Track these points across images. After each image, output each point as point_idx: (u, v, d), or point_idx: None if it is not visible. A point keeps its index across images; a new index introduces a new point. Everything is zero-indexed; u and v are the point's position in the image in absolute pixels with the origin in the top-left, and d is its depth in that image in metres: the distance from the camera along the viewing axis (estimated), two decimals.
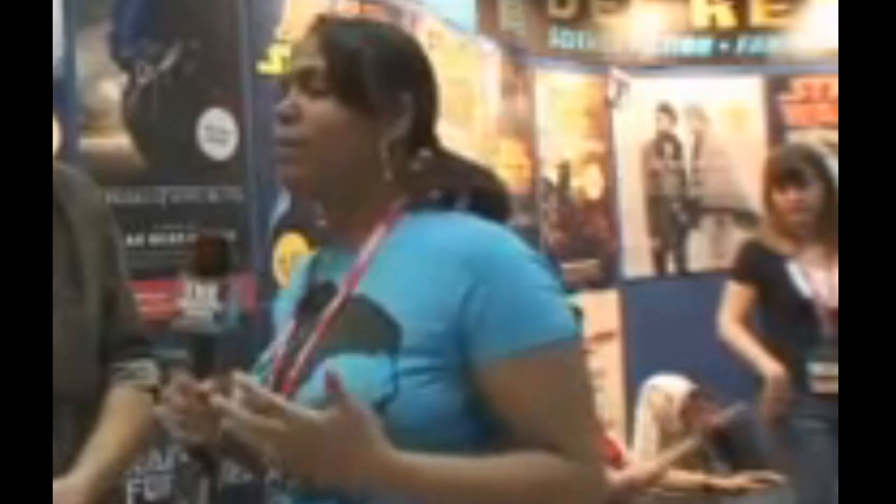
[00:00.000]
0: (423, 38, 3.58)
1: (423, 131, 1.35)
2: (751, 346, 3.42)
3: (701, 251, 5.42)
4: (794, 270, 3.33)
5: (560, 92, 5.02)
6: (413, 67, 1.36)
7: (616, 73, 5.24)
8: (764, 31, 5.53)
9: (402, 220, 1.32)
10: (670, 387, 4.41)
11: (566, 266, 4.91)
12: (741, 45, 5.52)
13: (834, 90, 5.19)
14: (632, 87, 5.27)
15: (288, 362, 1.30)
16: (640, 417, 4.42)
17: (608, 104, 5.25)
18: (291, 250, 2.99)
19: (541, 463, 1.21)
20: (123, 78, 2.61)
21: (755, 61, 5.52)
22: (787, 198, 3.37)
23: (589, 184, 5.17)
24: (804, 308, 3.28)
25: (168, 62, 2.70)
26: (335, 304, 1.29)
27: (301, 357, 1.28)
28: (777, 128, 5.48)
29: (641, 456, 4.24)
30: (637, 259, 5.33)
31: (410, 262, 1.26)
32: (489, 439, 1.23)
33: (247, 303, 2.74)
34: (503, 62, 4.56)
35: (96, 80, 2.57)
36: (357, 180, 1.31)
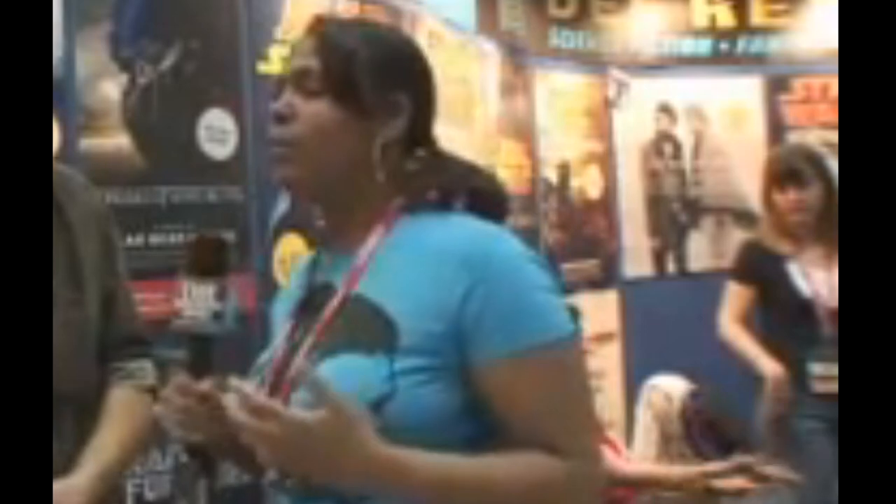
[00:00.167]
0: (423, 38, 3.58)
1: (420, 132, 1.35)
2: (751, 346, 3.42)
3: (701, 251, 5.42)
4: (794, 270, 3.34)
5: (560, 92, 5.02)
6: (409, 68, 1.36)
7: (616, 73, 5.24)
8: (764, 31, 5.53)
9: (401, 221, 1.32)
10: (670, 387, 4.40)
11: (566, 266, 4.91)
12: (741, 45, 5.52)
13: (834, 90, 5.19)
14: (631, 87, 5.28)
15: (286, 363, 1.31)
16: (640, 418, 4.41)
17: (608, 104, 5.25)
18: (291, 251, 2.99)
19: (539, 463, 1.21)
20: (123, 78, 2.61)
21: (755, 61, 5.52)
22: (787, 198, 3.37)
23: (589, 184, 5.17)
24: (804, 308, 3.29)
25: (168, 62, 2.70)
26: (334, 304, 1.29)
27: (299, 357, 1.29)
28: (777, 128, 5.48)
29: (641, 456, 4.24)
30: (637, 259, 5.33)
31: (409, 263, 1.27)
32: (488, 440, 1.23)
33: (246, 303, 2.75)
34: (503, 62, 4.56)
35: (96, 80, 2.57)
36: (352, 181, 1.31)
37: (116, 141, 2.59)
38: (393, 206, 1.33)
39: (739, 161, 5.38)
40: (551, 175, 4.91)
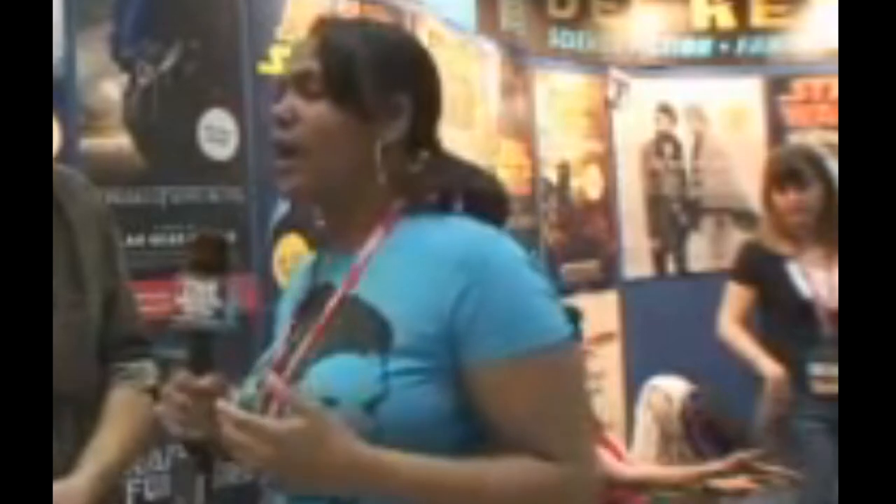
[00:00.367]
0: (423, 38, 3.58)
1: (422, 133, 1.34)
2: (751, 346, 3.42)
3: (701, 252, 5.42)
4: (794, 271, 3.34)
5: (560, 92, 5.03)
6: (411, 68, 1.35)
7: (616, 73, 5.24)
8: (764, 31, 5.53)
9: (401, 222, 1.32)
10: (670, 388, 4.41)
11: (566, 267, 4.92)
12: (741, 45, 5.52)
13: (834, 91, 5.19)
14: (632, 87, 5.28)
15: (285, 362, 1.31)
16: (640, 418, 4.41)
17: (608, 104, 5.25)
18: (291, 251, 3.00)
19: (533, 467, 1.20)
20: (124, 78, 2.61)
21: (755, 62, 5.52)
22: (787, 198, 3.37)
23: (589, 184, 5.17)
24: (804, 309, 3.29)
25: (168, 62, 2.70)
26: (332, 304, 1.29)
27: (296, 357, 1.29)
28: (777, 128, 5.49)
29: (641, 457, 4.24)
30: (637, 260, 5.33)
31: (406, 264, 1.27)
32: (481, 443, 1.23)
33: (246, 303, 2.75)
34: (503, 62, 4.56)
35: (97, 80, 2.57)
36: (354, 182, 1.31)
37: (117, 141, 2.59)
38: (393, 208, 1.33)
39: (739, 162, 5.38)
40: (551, 175, 4.91)
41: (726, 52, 5.52)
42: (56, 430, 1.52)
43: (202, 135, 2.79)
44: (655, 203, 5.41)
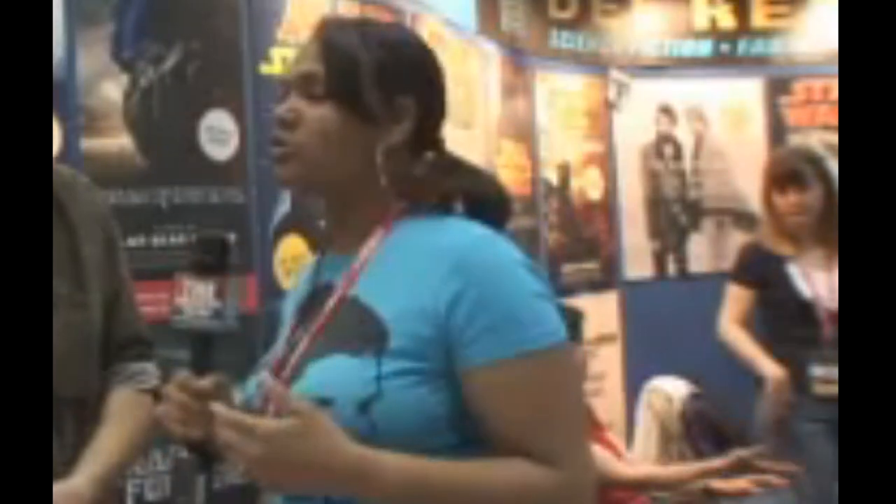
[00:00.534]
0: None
1: (427, 135, 1.34)
2: (751, 347, 3.42)
3: (701, 253, 5.42)
4: (795, 272, 3.34)
5: (560, 93, 5.03)
6: (415, 71, 1.34)
7: (616, 73, 5.24)
8: (764, 32, 5.53)
9: (401, 223, 1.32)
10: (671, 388, 4.41)
11: (566, 267, 4.92)
12: (742, 46, 5.52)
13: (834, 92, 5.19)
14: (632, 88, 5.28)
15: (284, 362, 1.32)
16: (641, 419, 4.41)
17: (608, 105, 5.25)
18: (292, 251, 3.00)
19: (527, 471, 1.20)
20: (124, 79, 2.62)
21: (756, 63, 5.52)
22: (788, 200, 3.37)
23: (589, 185, 5.17)
24: (804, 310, 3.29)
25: (169, 63, 2.70)
26: (331, 305, 1.30)
27: (295, 357, 1.30)
28: (777, 129, 5.48)
29: (642, 457, 4.24)
30: (637, 260, 5.33)
31: (404, 265, 1.27)
32: (475, 447, 1.22)
33: (247, 303, 2.75)
34: (503, 63, 4.56)
35: (97, 80, 2.57)
36: (356, 183, 1.31)
37: (118, 142, 2.59)
38: (394, 209, 1.33)
39: (740, 163, 5.38)
40: (551, 176, 4.91)
41: (727, 52, 5.52)
42: (57, 430, 1.53)
43: (203, 135, 2.79)
44: (656, 204, 5.40)
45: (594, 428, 3.56)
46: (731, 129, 5.49)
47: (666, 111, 5.43)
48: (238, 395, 1.34)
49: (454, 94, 3.84)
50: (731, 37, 5.52)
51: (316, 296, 1.35)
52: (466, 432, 1.23)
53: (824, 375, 3.19)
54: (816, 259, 3.33)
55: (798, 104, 5.51)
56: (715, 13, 5.49)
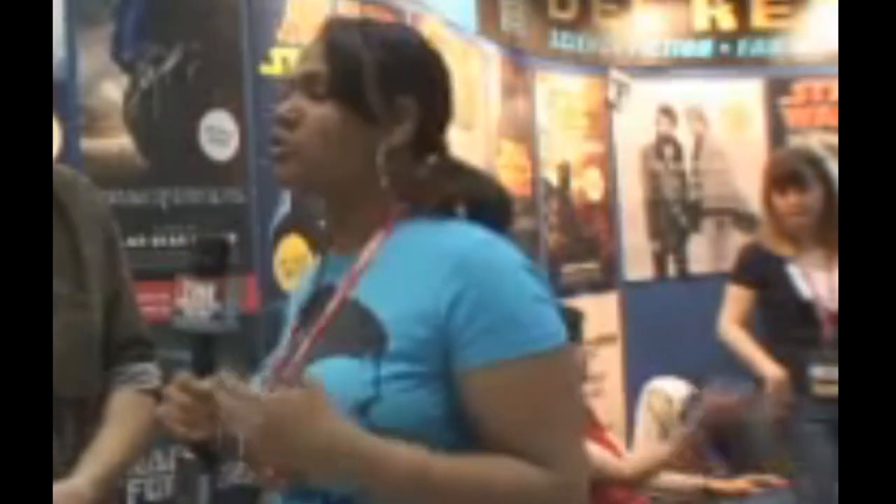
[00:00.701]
0: None
1: (430, 137, 1.34)
2: (751, 348, 3.42)
3: (701, 253, 5.42)
4: (795, 273, 3.34)
5: (560, 93, 5.03)
6: (419, 73, 1.34)
7: (616, 74, 5.24)
8: (764, 33, 5.53)
9: (402, 225, 1.32)
10: (671, 389, 4.41)
11: (566, 268, 4.92)
12: (742, 47, 5.52)
13: (835, 93, 5.19)
14: (632, 88, 5.28)
15: (285, 364, 1.32)
16: (641, 420, 4.42)
17: (608, 106, 5.25)
18: (292, 252, 3.00)
19: (520, 469, 1.19)
20: (125, 79, 2.62)
21: (756, 63, 5.52)
22: (788, 201, 3.37)
23: (589, 186, 5.17)
24: (804, 310, 3.29)
25: (169, 64, 2.70)
26: (332, 306, 1.30)
27: (296, 358, 1.30)
28: (777, 130, 5.49)
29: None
30: (637, 261, 5.34)
31: (405, 267, 1.27)
32: (473, 448, 1.22)
33: (246, 303, 2.75)
34: (504, 63, 4.56)
35: (98, 81, 2.57)
36: (356, 184, 1.31)
37: (118, 142, 2.59)
38: (396, 210, 1.32)
39: (740, 163, 5.38)
40: (551, 176, 4.91)
41: (727, 53, 5.52)
42: (57, 430, 1.53)
43: (203, 136, 2.79)
44: (656, 204, 5.41)
45: (594, 428, 3.57)
46: (731, 129, 5.49)
47: (666, 112, 5.43)
48: None
49: (455, 95, 3.86)
50: (732, 37, 5.52)
51: (317, 297, 1.35)
52: (464, 433, 1.23)
53: (824, 376, 3.19)
54: (816, 260, 3.33)
55: (798, 105, 5.51)
56: (715, 14, 5.50)
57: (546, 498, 1.21)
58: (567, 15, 5.17)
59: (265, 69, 2.98)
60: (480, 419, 1.22)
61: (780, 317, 3.39)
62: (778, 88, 5.51)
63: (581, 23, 5.22)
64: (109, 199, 2.29)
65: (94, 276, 1.62)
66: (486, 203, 1.34)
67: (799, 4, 5.52)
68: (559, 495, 1.21)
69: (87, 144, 2.52)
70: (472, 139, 4.05)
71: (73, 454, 1.56)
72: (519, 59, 4.73)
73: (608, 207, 5.26)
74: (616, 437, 4.42)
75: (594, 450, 3.21)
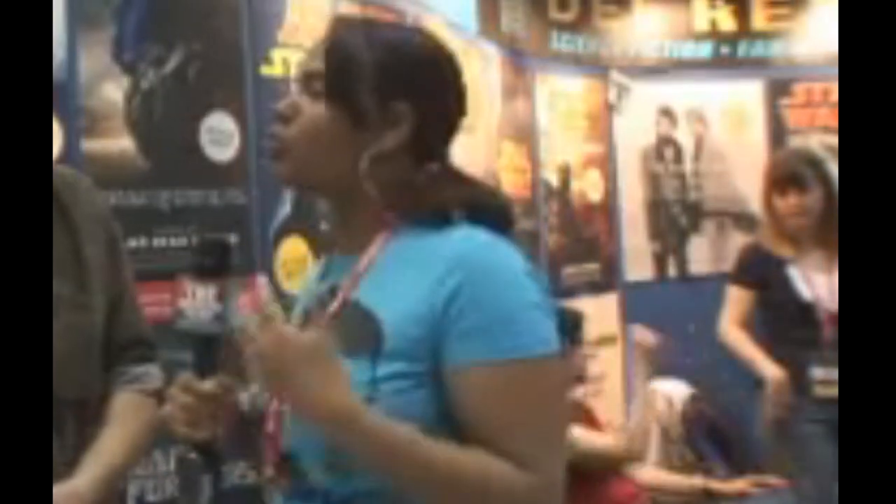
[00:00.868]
0: None
1: (428, 143, 1.32)
2: (751, 349, 3.42)
3: (701, 255, 5.42)
4: (795, 274, 3.34)
5: (560, 95, 5.03)
6: (417, 77, 1.32)
7: (616, 76, 5.24)
8: (765, 34, 5.53)
9: (403, 226, 1.31)
10: (671, 390, 4.42)
11: (566, 269, 4.92)
12: (742, 48, 5.53)
13: (835, 94, 5.19)
14: (632, 90, 5.28)
15: None
16: (633, 413, 4.41)
17: (609, 107, 5.26)
18: (293, 253, 3.00)
19: (495, 463, 1.19)
20: (126, 81, 2.62)
21: (756, 65, 5.52)
22: (788, 202, 3.37)
23: (589, 187, 5.17)
24: (805, 312, 3.29)
25: (170, 65, 2.70)
26: (333, 308, 1.30)
27: None
28: (778, 131, 5.49)
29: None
30: (638, 262, 5.34)
31: (406, 269, 1.27)
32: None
33: (248, 305, 2.75)
34: (504, 65, 4.57)
35: (99, 82, 2.57)
36: (346, 185, 1.31)
37: (119, 143, 2.59)
38: (395, 214, 1.32)
39: (740, 165, 5.38)
40: (552, 178, 4.91)
41: (727, 54, 5.52)
42: (58, 431, 1.53)
43: (204, 137, 2.79)
44: (656, 205, 5.41)
45: (594, 428, 3.56)
46: (732, 130, 5.49)
47: (666, 113, 5.43)
48: (244, 396, 1.35)
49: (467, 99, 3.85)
50: (732, 38, 5.52)
51: (322, 298, 1.35)
52: (456, 431, 1.22)
53: (824, 377, 3.19)
54: (816, 261, 3.34)
55: (798, 106, 5.51)
56: (715, 15, 5.50)
57: (521, 498, 1.20)
58: (567, 16, 5.18)
59: (266, 70, 2.98)
60: (463, 416, 1.22)
61: (780, 318, 3.39)
62: (778, 89, 5.51)
63: (581, 24, 5.22)
64: (110, 199, 2.30)
65: (95, 277, 1.62)
66: (485, 212, 1.32)
67: (799, 6, 5.53)
68: (535, 497, 1.21)
69: (88, 145, 2.53)
70: (472, 140, 4.05)
71: (73, 455, 1.56)
72: (519, 60, 4.73)
73: (608, 208, 5.26)
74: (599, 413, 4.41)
75: (580, 432, 3.17)
